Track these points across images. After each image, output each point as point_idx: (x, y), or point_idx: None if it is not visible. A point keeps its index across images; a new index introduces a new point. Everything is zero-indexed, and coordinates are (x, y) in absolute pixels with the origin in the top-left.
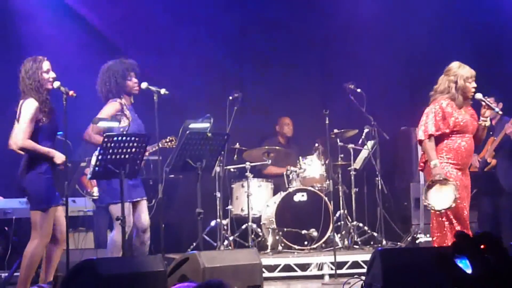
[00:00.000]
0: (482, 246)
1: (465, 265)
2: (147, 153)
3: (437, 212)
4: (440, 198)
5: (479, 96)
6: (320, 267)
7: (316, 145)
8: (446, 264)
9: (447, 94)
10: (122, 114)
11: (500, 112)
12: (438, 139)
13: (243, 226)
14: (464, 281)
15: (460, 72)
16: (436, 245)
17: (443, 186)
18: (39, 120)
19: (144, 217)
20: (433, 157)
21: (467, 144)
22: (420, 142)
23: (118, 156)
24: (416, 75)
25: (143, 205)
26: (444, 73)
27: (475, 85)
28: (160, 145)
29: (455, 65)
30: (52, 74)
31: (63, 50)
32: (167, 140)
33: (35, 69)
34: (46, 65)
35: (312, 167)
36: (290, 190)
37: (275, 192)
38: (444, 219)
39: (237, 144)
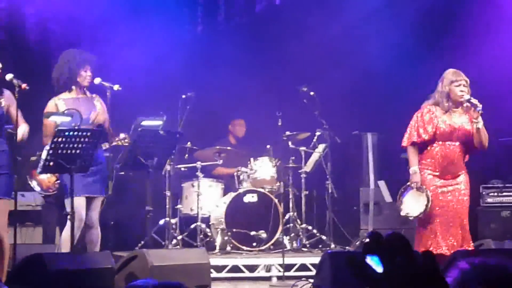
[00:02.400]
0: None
1: (376, 264)
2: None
3: (409, 218)
4: (414, 205)
5: (466, 97)
6: (268, 268)
7: (268, 146)
8: (355, 264)
9: (432, 99)
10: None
11: (481, 112)
12: (423, 145)
13: (192, 226)
14: (373, 279)
15: (447, 76)
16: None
17: (420, 193)
18: None
19: (92, 215)
20: (413, 164)
21: (445, 151)
22: (403, 147)
23: (69, 151)
24: (369, 79)
25: (96, 202)
26: None
27: (463, 88)
28: (114, 143)
29: (447, 71)
30: None
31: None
32: (120, 137)
33: None
34: None
35: (263, 168)
36: (240, 191)
37: (225, 193)
38: (421, 228)
39: (189, 143)
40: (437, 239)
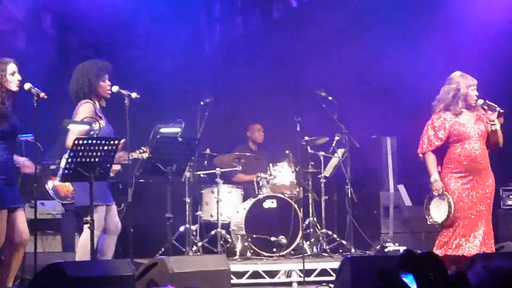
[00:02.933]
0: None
1: (410, 281)
2: (120, 158)
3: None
4: (438, 211)
5: (480, 101)
6: (288, 274)
7: (287, 152)
8: (391, 279)
9: (442, 103)
10: (96, 116)
11: (501, 110)
12: (442, 150)
13: (212, 232)
14: None
15: (462, 80)
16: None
17: (441, 200)
18: None
19: (118, 221)
20: (432, 173)
21: (467, 150)
22: (420, 158)
23: (88, 159)
24: (387, 83)
25: (115, 208)
26: (446, 83)
27: (477, 93)
28: (135, 156)
29: (456, 74)
30: (17, 77)
31: (34, 49)
32: (141, 151)
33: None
34: (11, 67)
35: (283, 174)
36: (260, 196)
37: (245, 199)
38: (444, 229)
39: (208, 149)
40: (461, 241)
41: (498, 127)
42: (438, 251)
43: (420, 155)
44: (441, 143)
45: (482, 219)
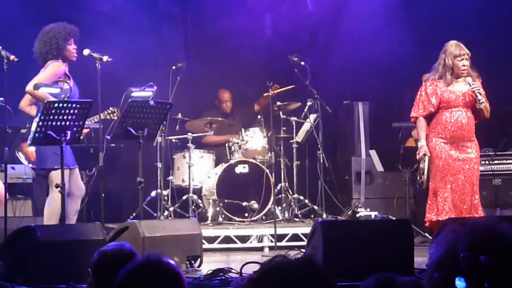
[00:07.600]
0: None
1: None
2: (88, 123)
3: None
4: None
5: (468, 80)
6: (260, 239)
7: (259, 117)
8: None
9: (435, 72)
10: (65, 76)
11: (481, 104)
12: (431, 115)
13: (184, 197)
14: None
15: (450, 49)
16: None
17: (423, 163)
18: None
19: (81, 184)
20: (421, 137)
21: (455, 117)
22: (413, 122)
23: (59, 123)
24: (360, 49)
25: (78, 172)
26: (442, 51)
27: (465, 63)
28: (102, 116)
29: (449, 43)
30: None
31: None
32: (109, 111)
33: None
34: None
35: (254, 139)
36: (232, 161)
37: (216, 164)
38: (429, 192)
39: (179, 114)
40: (447, 206)
41: (483, 106)
42: (429, 216)
43: (413, 119)
44: (434, 110)
45: (469, 186)
